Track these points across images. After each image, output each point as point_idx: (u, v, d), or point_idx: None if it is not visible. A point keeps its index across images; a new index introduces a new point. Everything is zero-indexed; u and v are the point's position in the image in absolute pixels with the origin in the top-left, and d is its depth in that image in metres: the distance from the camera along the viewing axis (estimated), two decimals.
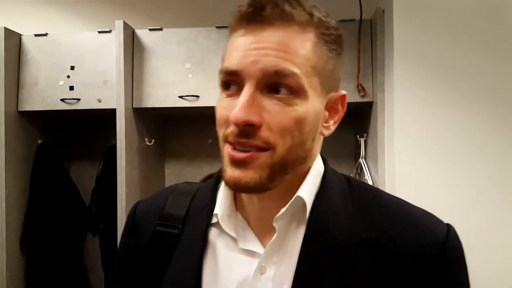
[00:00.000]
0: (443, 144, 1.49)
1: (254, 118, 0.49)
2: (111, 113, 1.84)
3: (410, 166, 1.51)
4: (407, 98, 1.52)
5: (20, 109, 1.94)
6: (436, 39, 1.51)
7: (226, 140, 0.52)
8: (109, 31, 1.91)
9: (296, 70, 0.50)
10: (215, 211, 0.59)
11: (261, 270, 0.54)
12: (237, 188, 0.52)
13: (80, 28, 2.34)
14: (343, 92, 0.59)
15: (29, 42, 1.96)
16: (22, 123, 1.99)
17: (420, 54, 1.51)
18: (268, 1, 0.51)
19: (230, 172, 0.51)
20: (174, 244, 0.61)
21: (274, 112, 0.50)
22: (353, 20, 1.78)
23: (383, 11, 1.67)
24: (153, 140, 2.05)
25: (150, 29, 1.90)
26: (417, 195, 1.50)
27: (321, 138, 0.59)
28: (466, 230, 1.47)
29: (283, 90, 0.50)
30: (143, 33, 1.91)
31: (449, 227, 0.57)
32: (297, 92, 0.51)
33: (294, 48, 0.50)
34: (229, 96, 0.53)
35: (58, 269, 2.07)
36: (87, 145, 2.37)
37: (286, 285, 0.53)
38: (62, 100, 1.90)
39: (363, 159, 1.88)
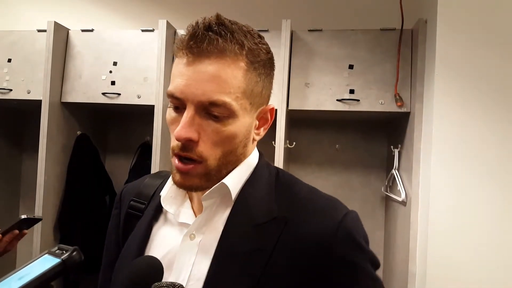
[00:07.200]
0: (482, 159, 1.44)
1: (193, 135, 0.62)
2: (149, 109, 1.89)
3: (447, 180, 1.47)
4: (447, 110, 1.48)
5: (63, 100, 2.03)
6: (479, 52, 1.46)
7: (173, 152, 0.66)
8: (152, 30, 1.96)
9: (227, 99, 0.61)
10: (160, 193, 0.74)
11: (190, 237, 0.68)
12: (182, 188, 0.68)
13: (124, 26, 2.42)
14: (272, 105, 0.72)
15: (75, 37, 2.05)
16: (64, 114, 2.07)
17: (462, 67, 1.47)
18: (205, 36, 0.61)
19: (177, 177, 0.66)
20: (140, 215, 0.78)
21: (210, 131, 0.63)
22: (394, 29, 1.75)
23: (426, 22, 1.64)
24: None
25: None
26: (452, 209, 1.46)
27: (255, 142, 0.73)
28: (506, 247, 1.41)
29: (217, 113, 0.62)
30: None
31: (348, 212, 0.67)
32: (228, 114, 0.63)
33: (226, 78, 0.61)
34: (175, 109, 0.66)
35: (88, 256, 2.13)
36: (123, 139, 2.45)
37: (212, 250, 0.66)
38: (103, 94, 1.97)
39: (396, 171, 1.85)
